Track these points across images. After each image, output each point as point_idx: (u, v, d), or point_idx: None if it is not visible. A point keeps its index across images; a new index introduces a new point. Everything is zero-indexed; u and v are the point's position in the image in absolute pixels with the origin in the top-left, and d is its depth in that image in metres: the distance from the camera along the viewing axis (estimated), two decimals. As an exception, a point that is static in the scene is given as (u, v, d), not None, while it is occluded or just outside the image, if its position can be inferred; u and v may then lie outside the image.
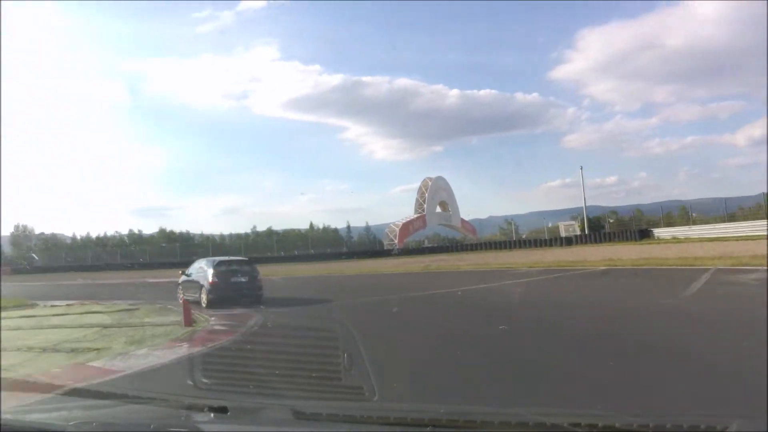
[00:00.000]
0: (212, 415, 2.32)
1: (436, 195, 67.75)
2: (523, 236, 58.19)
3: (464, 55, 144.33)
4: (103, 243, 63.10)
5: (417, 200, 67.04)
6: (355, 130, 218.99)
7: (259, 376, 3.28)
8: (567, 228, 50.67)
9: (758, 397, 3.85)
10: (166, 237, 62.34)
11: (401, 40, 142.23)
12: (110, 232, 67.62)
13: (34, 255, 58.97)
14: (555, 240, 44.55)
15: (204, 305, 13.97)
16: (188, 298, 14.58)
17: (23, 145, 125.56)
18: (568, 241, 42.66)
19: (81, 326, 10.90)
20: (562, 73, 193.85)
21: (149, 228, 76.43)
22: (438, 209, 68.73)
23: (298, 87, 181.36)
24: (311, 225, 73.88)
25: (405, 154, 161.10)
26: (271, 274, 20.97)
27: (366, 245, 65.50)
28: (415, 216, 65.42)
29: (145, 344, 8.49)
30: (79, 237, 68.14)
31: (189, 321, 10.41)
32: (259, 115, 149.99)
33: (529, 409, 3.57)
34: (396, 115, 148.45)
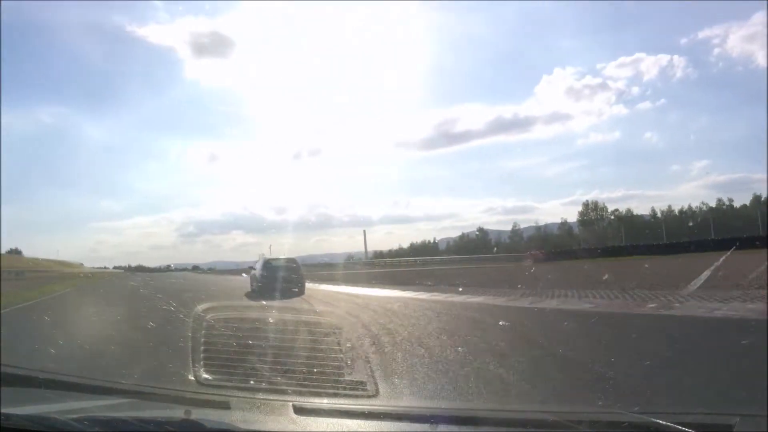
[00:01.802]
0: (214, 410, 2.32)
1: None
2: None
3: None
4: (688, 217, 58.26)
5: None
6: None
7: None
8: None
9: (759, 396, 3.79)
10: (762, 205, 53.39)
11: None
12: (695, 204, 61.94)
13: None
14: None
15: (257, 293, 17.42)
16: (252, 287, 18.61)
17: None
18: None
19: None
20: None
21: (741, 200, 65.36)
22: None
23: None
24: None
25: None
26: None
27: None
28: None
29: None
30: (659, 213, 62.99)
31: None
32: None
33: (531, 405, 3.56)
34: None
